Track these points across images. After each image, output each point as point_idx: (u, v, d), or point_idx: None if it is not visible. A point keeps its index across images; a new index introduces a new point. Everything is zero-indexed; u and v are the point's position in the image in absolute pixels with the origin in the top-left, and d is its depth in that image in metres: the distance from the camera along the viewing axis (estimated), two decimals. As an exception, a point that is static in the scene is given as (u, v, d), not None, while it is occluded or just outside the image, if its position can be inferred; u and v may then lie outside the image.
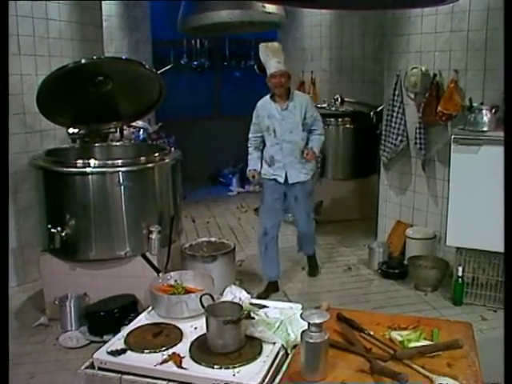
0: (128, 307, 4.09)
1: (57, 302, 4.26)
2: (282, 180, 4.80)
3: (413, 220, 5.61)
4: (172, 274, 2.97)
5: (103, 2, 6.15)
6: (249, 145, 4.91)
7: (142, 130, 6.60)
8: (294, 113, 4.70)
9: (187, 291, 2.80)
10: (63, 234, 4.13)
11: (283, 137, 4.71)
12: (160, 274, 3.85)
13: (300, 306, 2.70)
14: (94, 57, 4.97)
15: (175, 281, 2.90)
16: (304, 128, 4.74)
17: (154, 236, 4.22)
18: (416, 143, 5.26)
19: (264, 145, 4.89)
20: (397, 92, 5.44)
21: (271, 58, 4.60)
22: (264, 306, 2.67)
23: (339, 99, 7.20)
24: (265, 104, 4.77)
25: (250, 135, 4.91)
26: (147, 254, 4.27)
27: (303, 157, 4.71)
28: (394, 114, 5.48)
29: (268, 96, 4.78)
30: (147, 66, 4.82)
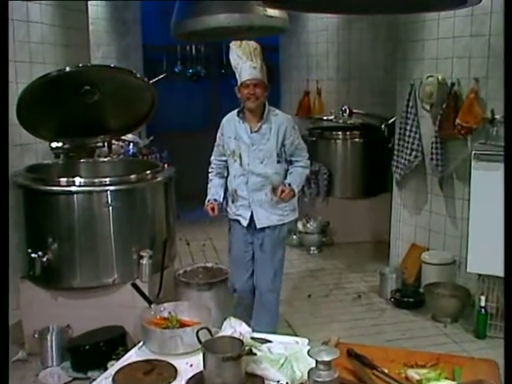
0: (116, 340, 4.07)
1: (37, 335, 4.23)
2: (245, 223, 4.19)
3: (429, 243, 5.59)
4: (165, 305, 2.95)
5: (89, 3, 6.17)
6: (210, 170, 4.36)
7: (131, 145, 6.61)
8: (268, 137, 4.07)
9: (182, 324, 2.78)
10: (44, 259, 4.11)
11: (251, 167, 4.10)
12: (152, 306, 3.82)
13: (306, 341, 2.67)
14: (80, 64, 4.96)
15: (169, 313, 2.87)
16: (280, 159, 4.11)
17: (144, 261, 4.19)
18: (432, 159, 5.25)
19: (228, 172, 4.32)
20: (411, 103, 5.45)
21: (245, 61, 4.01)
22: (267, 341, 2.64)
23: (347, 111, 7.27)
24: (231, 121, 4.19)
25: (213, 158, 4.34)
26: (137, 281, 4.20)
27: (277, 195, 4.04)
28: (408, 127, 5.49)
29: (235, 111, 4.20)
30: (138, 75, 4.84)
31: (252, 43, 4.10)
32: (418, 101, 5.42)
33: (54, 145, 4.92)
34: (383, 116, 6.84)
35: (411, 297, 5.31)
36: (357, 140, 7.05)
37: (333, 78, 7.78)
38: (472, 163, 4.44)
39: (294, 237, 6.89)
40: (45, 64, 5.23)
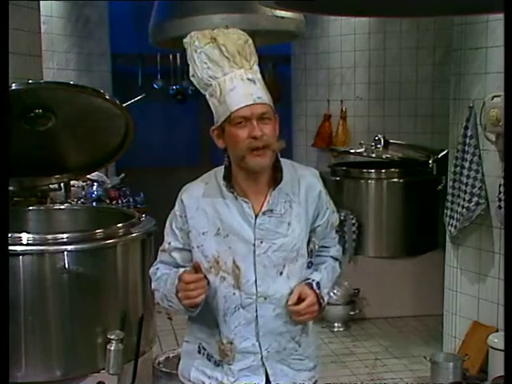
0: None
1: None
2: None
3: (498, 321, 5.48)
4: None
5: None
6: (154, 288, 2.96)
7: (95, 185, 6.56)
8: (290, 221, 2.79)
9: None
10: (-22, 344, 4.01)
11: (263, 288, 2.77)
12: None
13: None
14: (30, 80, 4.95)
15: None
16: (311, 258, 2.93)
17: (113, 347, 4.11)
18: (500, 207, 5.17)
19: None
20: (469, 132, 5.41)
21: (230, 69, 2.70)
22: None
23: (382, 141, 7.28)
24: (205, 198, 2.82)
25: (156, 273, 2.96)
26: (104, 373, 4.16)
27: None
28: (466, 164, 5.45)
29: (217, 176, 2.84)
30: (107, 96, 4.84)
31: (237, 33, 2.76)
32: (480, 129, 5.40)
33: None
34: (431, 148, 6.89)
35: (474, 394, 5.24)
36: (395, 180, 7.05)
37: (362, 97, 7.85)
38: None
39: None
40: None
